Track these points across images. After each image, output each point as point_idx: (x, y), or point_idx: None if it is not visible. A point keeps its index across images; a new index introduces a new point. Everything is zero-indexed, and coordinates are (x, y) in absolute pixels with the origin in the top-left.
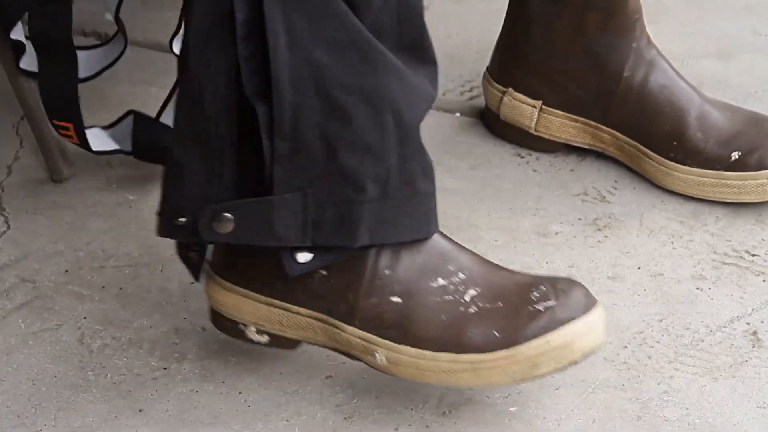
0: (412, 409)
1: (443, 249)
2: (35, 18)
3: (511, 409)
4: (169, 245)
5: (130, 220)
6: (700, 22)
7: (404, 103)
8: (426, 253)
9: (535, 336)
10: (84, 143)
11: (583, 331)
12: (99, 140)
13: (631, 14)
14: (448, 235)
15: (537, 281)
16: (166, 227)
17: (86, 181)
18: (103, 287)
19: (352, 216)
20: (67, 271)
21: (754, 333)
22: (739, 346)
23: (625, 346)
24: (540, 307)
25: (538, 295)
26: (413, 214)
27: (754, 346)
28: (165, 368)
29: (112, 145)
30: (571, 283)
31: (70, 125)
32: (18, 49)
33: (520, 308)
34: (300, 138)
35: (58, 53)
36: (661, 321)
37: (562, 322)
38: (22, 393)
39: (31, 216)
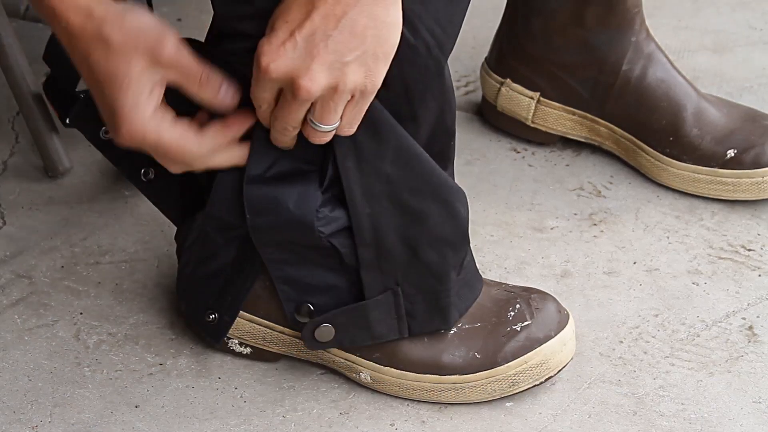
0: (408, 405)
1: None
2: None
3: (507, 404)
4: (165, 241)
5: (125, 216)
6: (695, 17)
7: (460, 195)
8: None
9: (514, 357)
10: None
11: (557, 348)
12: None
13: (631, 8)
14: None
15: (512, 297)
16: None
17: (82, 176)
18: (99, 283)
19: (441, 303)
20: (62, 266)
21: (750, 328)
22: (735, 341)
23: (621, 342)
24: (517, 327)
25: (514, 314)
26: (475, 273)
27: (749, 341)
28: (161, 364)
29: None
30: (544, 297)
31: None
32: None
33: (499, 328)
34: (381, 244)
35: None
36: (656, 316)
37: (538, 342)
38: (18, 389)
39: (26, 212)
